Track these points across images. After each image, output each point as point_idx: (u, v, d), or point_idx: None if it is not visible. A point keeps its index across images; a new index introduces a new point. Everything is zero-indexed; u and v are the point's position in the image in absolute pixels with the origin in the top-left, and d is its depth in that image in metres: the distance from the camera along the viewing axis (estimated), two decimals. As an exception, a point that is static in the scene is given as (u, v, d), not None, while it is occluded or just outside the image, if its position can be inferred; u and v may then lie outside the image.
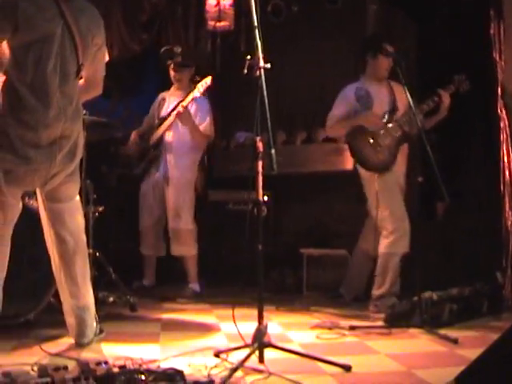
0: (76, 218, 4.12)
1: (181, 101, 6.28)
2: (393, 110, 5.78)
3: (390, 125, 5.69)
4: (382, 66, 5.84)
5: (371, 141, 5.64)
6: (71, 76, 3.88)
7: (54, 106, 3.77)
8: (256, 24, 3.82)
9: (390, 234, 5.59)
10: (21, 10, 3.64)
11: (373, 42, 5.95)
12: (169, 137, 6.48)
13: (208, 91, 6.33)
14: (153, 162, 6.54)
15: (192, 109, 6.32)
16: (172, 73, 6.55)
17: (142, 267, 6.70)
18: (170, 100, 6.59)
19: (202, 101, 6.39)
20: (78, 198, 4.18)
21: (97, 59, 4.09)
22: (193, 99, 6.17)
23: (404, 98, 5.51)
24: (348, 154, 5.95)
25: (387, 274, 5.61)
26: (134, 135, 6.72)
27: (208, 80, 6.13)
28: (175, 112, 6.29)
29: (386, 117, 5.71)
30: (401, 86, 5.61)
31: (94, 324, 4.21)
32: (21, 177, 3.78)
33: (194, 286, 6.41)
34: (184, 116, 6.21)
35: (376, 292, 5.66)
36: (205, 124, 6.40)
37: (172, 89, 6.65)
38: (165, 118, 6.47)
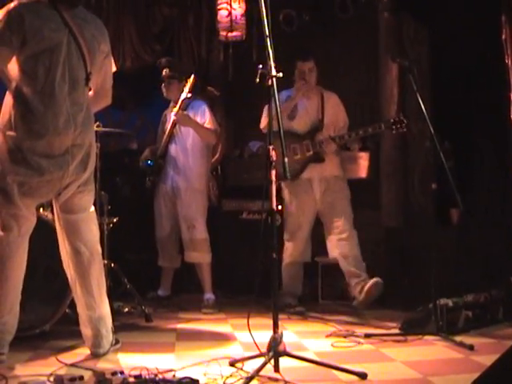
0: (91, 229, 4.14)
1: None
2: (316, 128, 6.05)
3: (305, 142, 6.03)
4: (297, 80, 6.12)
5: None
6: (80, 83, 3.94)
7: (64, 113, 3.83)
8: (268, 33, 3.83)
9: (286, 242, 6.15)
10: (27, 23, 3.73)
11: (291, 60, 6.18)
12: (173, 149, 6.49)
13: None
14: (158, 173, 6.56)
15: (190, 113, 6.34)
16: (163, 86, 6.56)
17: (159, 278, 6.71)
18: (170, 116, 6.58)
19: (198, 103, 6.43)
20: (92, 208, 4.20)
21: (104, 67, 4.16)
22: (184, 101, 6.21)
23: (334, 109, 6.07)
24: (362, 162, 5.97)
25: (283, 276, 6.15)
26: (146, 152, 6.74)
27: (190, 78, 6.19)
28: (171, 120, 6.35)
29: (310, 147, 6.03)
30: (335, 100, 6.14)
31: (110, 335, 4.21)
32: (34, 188, 3.82)
33: (211, 295, 6.39)
34: (181, 119, 6.26)
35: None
36: (207, 121, 6.40)
37: (171, 104, 6.65)
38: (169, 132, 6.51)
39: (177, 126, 6.41)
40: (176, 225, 6.50)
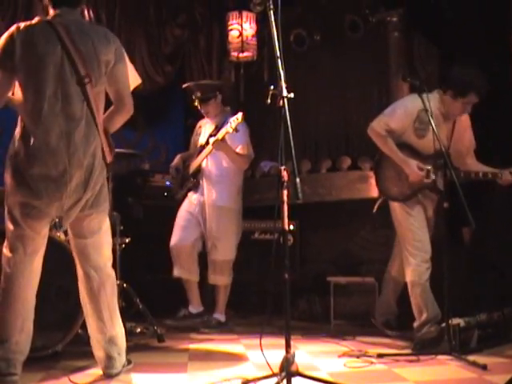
0: (101, 254, 4.11)
1: (212, 134, 6.34)
2: (441, 155, 5.09)
3: (427, 167, 5.40)
4: (454, 109, 5.41)
5: (397, 172, 5.50)
6: (75, 99, 3.89)
7: (56, 131, 3.82)
8: (278, 54, 3.84)
9: (410, 263, 5.44)
10: (18, 43, 3.84)
11: (462, 83, 5.33)
12: (206, 164, 6.47)
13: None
14: (192, 190, 6.53)
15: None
16: (198, 107, 6.55)
17: (185, 293, 6.54)
18: (205, 127, 6.62)
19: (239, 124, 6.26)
20: (105, 229, 4.15)
21: (115, 76, 4.07)
22: (226, 134, 6.12)
23: (463, 132, 5.49)
24: (373, 181, 5.90)
25: (419, 304, 5.41)
26: (177, 159, 6.77)
27: (239, 116, 6.04)
28: (211, 145, 6.27)
29: (431, 175, 5.39)
30: (466, 117, 5.54)
31: (123, 356, 4.20)
32: (37, 209, 3.85)
33: (219, 316, 6.37)
34: (218, 146, 6.18)
35: (414, 324, 5.43)
36: (241, 146, 6.36)
37: (206, 119, 6.67)
38: (202, 148, 6.48)
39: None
40: (201, 238, 6.49)
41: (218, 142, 6.14)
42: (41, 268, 3.98)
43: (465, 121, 5.58)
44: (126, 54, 4.18)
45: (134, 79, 4.29)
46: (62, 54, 3.87)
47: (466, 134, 5.60)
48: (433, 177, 5.38)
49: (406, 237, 5.51)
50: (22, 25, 3.93)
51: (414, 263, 5.40)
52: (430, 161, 5.41)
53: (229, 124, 6.06)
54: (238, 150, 6.35)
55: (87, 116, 3.93)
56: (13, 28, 3.90)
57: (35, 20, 3.98)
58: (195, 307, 6.48)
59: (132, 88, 4.27)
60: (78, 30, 3.96)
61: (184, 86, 6.66)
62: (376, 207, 5.70)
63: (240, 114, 6.06)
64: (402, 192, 5.50)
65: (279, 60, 3.83)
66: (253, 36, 7.49)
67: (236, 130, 6.05)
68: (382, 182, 5.67)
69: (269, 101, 3.83)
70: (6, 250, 3.93)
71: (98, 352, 4.13)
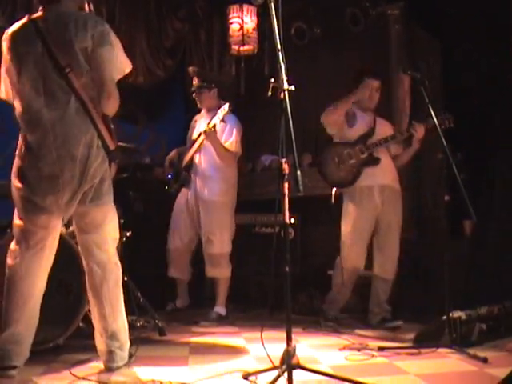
0: (105, 250, 4.09)
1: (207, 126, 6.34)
2: (367, 134, 6.06)
3: (357, 146, 6.01)
4: (363, 98, 6.14)
5: (336, 159, 6.02)
6: (58, 91, 3.87)
7: (41, 125, 3.84)
8: (279, 47, 3.83)
9: (344, 250, 5.97)
10: (5, 46, 3.97)
11: (356, 75, 6.26)
12: (198, 159, 6.49)
13: (235, 113, 6.34)
14: (184, 184, 6.55)
15: (220, 126, 6.29)
16: (194, 95, 6.62)
17: (174, 290, 6.71)
18: (199, 122, 6.64)
19: (230, 118, 6.34)
20: (111, 227, 4.13)
21: (94, 62, 3.94)
22: (215, 125, 6.18)
23: (385, 131, 6.02)
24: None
25: (336, 286, 6.05)
26: (172, 153, 6.85)
27: (226, 107, 6.13)
28: (201, 136, 6.33)
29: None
30: (387, 123, 6.20)
31: (125, 350, 4.20)
32: (34, 204, 3.88)
33: (220, 309, 6.40)
34: (210, 137, 6.23)
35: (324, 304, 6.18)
36: (230, 141, 6.39)
37: (202, 111, 6.70)
38: (194, 141, 6.50)
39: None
40: (195, 236, 6.53)
41: (210, 130, 6.18)
42: (48, 264, 4.00)
43: (384, 123, 6.25)
44: (112, 39, 4.01)
45: (122, 65, 4.13)
46: (43, 50, 3.87)
47: (388, 131, 6.15)
48: (367, 151, 5.98)
49: (345, 227, 6.00)
50: (11, 28, 4.00)
51: (346, 251, 5.96)
52: (359, 143, 6.03)
53: (217, 115, 6.12)
54: (226, 145, 6.38)
55: (77, 107, 3.90)
56: (4, 34, 3.99)
57: (23, 20, 4.01)
58: (182, 302, 6.70)
59: (121, 75, 4.11)
60: (57, 23, 3.93)
61: (190, 68, 6.75)
62: (333, 198, 6.10)
63: (227, 105, 6.12)
64: (348, 172, 5.98)
65: (280, 53, 3.82)
66: (253, 29, 7.49)
67: (223, 120, 6.12)
68: (328, 175, 6.11)
69: (269, 94, 3.83)
70: (12, 243, 3.99)
71: (100, 345, 4.14)
